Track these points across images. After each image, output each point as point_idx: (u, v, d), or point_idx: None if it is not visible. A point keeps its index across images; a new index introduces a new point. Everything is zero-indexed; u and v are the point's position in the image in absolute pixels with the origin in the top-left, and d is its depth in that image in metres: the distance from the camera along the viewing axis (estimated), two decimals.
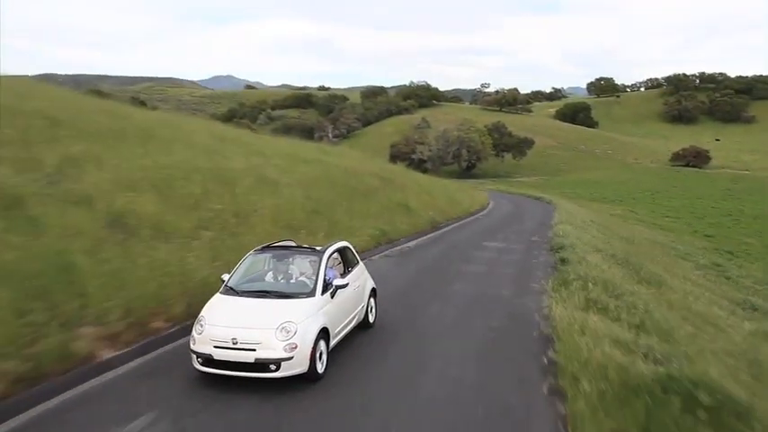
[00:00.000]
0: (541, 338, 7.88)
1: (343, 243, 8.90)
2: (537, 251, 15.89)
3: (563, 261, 13.09)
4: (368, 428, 5.53)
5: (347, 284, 7.82)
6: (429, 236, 19.31)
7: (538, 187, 64.90)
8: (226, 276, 7.65)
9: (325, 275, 7.46)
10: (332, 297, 7.42)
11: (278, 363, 6.44)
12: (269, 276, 7.90)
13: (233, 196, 13.87)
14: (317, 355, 6.73)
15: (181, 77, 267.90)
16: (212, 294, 7.45)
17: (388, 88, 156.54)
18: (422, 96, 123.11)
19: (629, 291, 11.28)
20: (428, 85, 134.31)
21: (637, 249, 21.41)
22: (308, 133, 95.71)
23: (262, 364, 6.45)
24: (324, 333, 6.95)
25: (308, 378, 6.63)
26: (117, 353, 7.18)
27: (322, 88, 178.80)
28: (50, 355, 6.47)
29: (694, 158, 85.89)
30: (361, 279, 8.82)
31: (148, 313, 8.00)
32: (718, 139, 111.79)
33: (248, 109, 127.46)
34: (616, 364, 6.08)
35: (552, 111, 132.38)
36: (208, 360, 6.56)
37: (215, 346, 6.50)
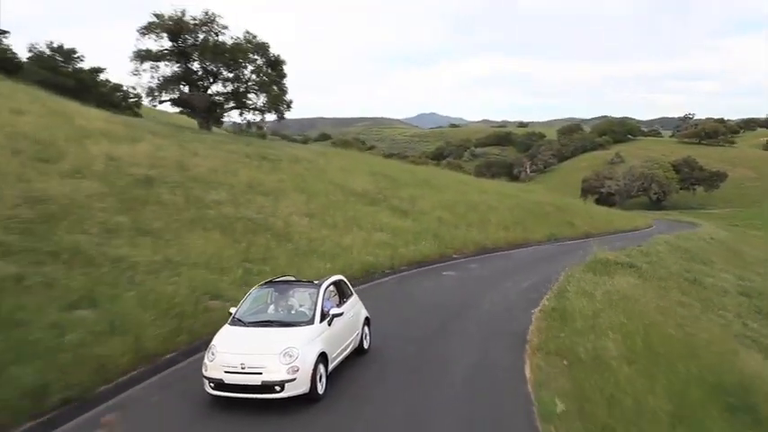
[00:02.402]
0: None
1: (338, 277, 9.78)
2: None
3: (638, 246, 26.78)
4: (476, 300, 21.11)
5: (343, 313, 8.73)
6: (582, 240, 33.49)
7: (724, 218, 69.58)
8: (233, 309, 8.63)
9: (322, 305, 8.39)
10: (329, 325, 8.31)
11: (282, 384, 7.35)
12: (271, 308, 8.77)
13: (477, 213, 29.97)
14: (318, 377, 7.63)
15: (389, 117, 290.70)
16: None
17: (586, 120, 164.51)
18: (617, 132, 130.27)
19: (663, 258, 24.66)
20: (623, 120, 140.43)
21: (727, 255, 32.98)
22: (507, 169, 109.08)
23: (267, 386, 7.35)
24: (323, 357, 7.87)
25: (310, 398, 7.56)
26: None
27: (521, 125, 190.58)
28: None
29: None
30: (355, 309, 9.60)
31: (470, 248, 24.43)
32: None
33: (454, 147, 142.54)
34: (606, 259, 20.58)
35: (764, 140, 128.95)
36: (219, 384, 7.50)
37: (225, 371, 7.44)
